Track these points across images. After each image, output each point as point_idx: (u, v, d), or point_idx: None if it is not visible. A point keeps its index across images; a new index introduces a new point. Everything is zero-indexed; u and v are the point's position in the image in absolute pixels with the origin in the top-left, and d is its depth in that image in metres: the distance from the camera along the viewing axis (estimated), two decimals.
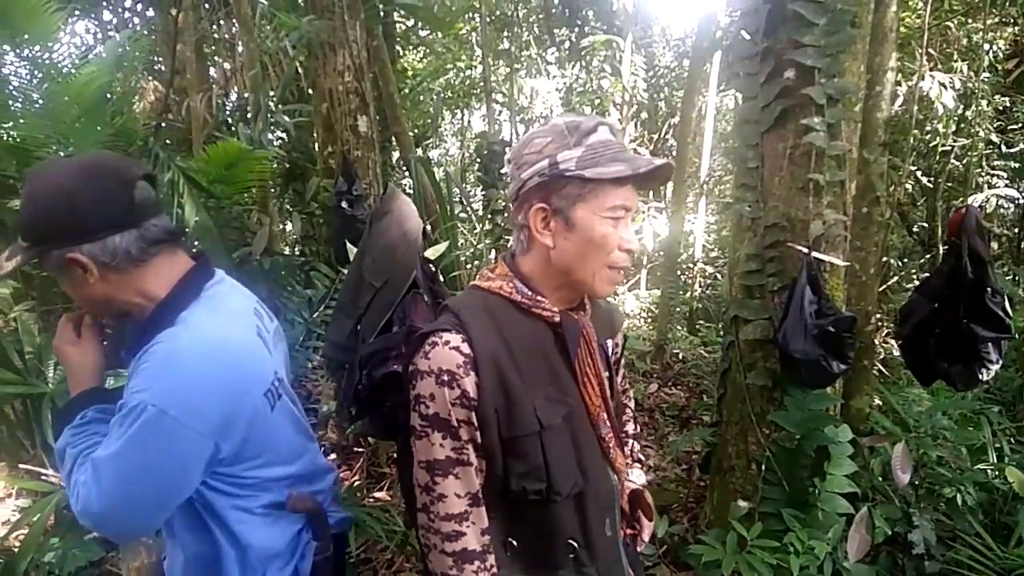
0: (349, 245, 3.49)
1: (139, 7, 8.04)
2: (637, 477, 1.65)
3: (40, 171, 1.34)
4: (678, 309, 7.86)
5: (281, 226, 5.90)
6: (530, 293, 1.29)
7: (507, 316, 1.28)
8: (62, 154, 3.75)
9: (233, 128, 5.58)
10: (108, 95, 4.23)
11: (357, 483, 3.77)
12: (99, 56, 4.85)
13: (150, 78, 6.83)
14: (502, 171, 5.57)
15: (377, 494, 3.74)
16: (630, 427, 1.72)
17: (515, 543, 1.33)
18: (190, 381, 1.23)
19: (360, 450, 4.07)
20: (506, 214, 5.34)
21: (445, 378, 1.20)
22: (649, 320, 8.44)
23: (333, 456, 4.01)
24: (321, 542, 1.50)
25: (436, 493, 1.24)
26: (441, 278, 3.97)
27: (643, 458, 1.75)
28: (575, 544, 1.33)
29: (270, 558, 1.43)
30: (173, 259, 1.38)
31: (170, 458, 1.22)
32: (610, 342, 1.55)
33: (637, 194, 1.29)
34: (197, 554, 1.41)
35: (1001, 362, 2.88)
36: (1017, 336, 4.45)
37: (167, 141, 6.09)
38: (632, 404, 1.77)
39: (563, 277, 1.29)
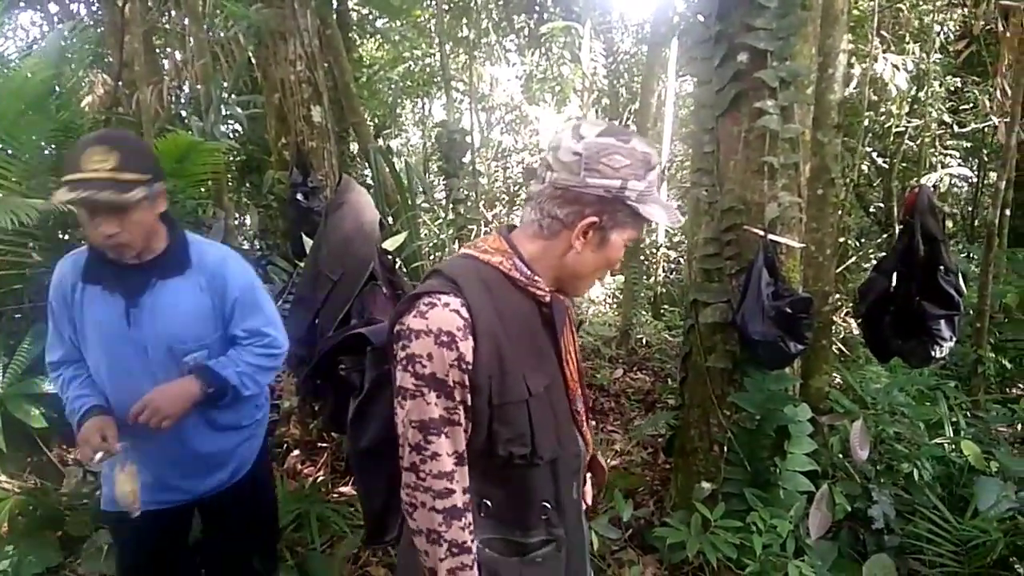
0: (305, 238, 3.43)
1: None
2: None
3: (124, 136, 1.96)
4: (642, 294, 7.90)
5: (238, 220, 5.80)
6: (529, 272, 1.34)
7: (501, 288, 1.32)
8: (9, 151, 3.65)
9: (186, 121, 5.46)
10: (55, 88, 4.11)
11: (321, 478, 3.72)
12: (43, 49, 4.71)
13: (98, 71, 6.65)
14: (463, 159, 5.53)
15: (342, 489, 3.69)
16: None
17: (489, 504, 1.37)
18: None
19: (324, 445, 4.02)
20: (469, 203, 5.31)
21: (444, 339, 1.22)
22: (614, 306, 8.48)
23: (297, 452, 3.95)
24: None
25: (429, 452, 1.26)
26: (402, 269, 3.93)
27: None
28: (548, 506, 1.40)
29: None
30: None
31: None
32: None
33: None
34: None
35: (956, 338, 2.94)
36: (970, 312, 4.56)
37: None
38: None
39: (564, 274, 1.36)
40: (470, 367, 1.24)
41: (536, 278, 1.34)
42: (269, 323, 2.09)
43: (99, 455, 1.79)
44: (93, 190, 1.71)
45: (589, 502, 1.71)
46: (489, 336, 1.26)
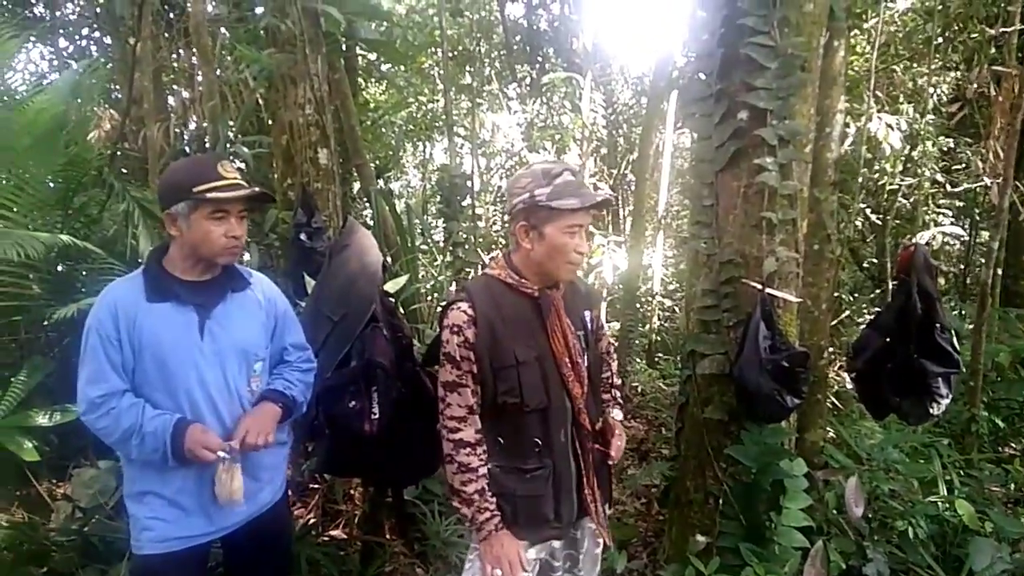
0: (307, 278, 3.45)
1: (96, 35, 7.95)
2: (617, 415, 2.34)
3: None
4: (637, 342, 7.90)
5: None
6: (517, 278, 1.99)
7: (501, 292, 2.00)
8: (15, 185, 3.68)
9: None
10: (63, 123, 4.17)
11: (312, 521, 3.68)
12: (54, 84, 4.78)
13: (107, 107, 6.73)
14: (463, 203, 5.58)
15: (332, 532, 3.65)
16: (616, 380, 2.42)
17: (501, 440, 2.02)
18: None
19: (316, 487, 3.98)
20: (467, 246, 5.36)
21: (455, 329, 1.93)
22: None
23: (288, 493, 3.90)
24: None
25: (446, 403, 1.97)
26: (401, 311, 3.93)
27: (622, 401, 2.43)
28: (539, 442, 2.00)
29: None
30: None
31: None
32: (588, 313, 2.17)
33: (591, 217, 1.98)
34: None
35: (951, 396, 2.95)
36: (963, 371, 4.58)
37: (123, 170, 6.00)
38: (615, 363, 2.45)
39: (538, 268, 1.98)
40: (472, 345, 1.92)
41: (523, 280, 1.99)
42: (305, 338, 2.35)
43: (222, 453, 1.94)
44: (247, 190, 1.97)
45: (613, 454, 2.16)
46: (486, 324, 1.93)
